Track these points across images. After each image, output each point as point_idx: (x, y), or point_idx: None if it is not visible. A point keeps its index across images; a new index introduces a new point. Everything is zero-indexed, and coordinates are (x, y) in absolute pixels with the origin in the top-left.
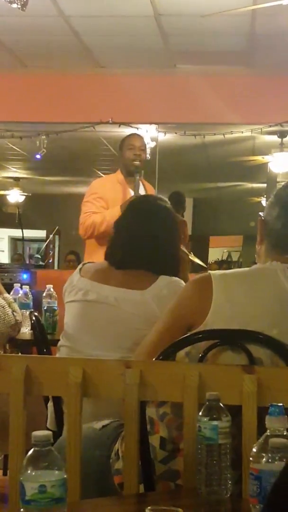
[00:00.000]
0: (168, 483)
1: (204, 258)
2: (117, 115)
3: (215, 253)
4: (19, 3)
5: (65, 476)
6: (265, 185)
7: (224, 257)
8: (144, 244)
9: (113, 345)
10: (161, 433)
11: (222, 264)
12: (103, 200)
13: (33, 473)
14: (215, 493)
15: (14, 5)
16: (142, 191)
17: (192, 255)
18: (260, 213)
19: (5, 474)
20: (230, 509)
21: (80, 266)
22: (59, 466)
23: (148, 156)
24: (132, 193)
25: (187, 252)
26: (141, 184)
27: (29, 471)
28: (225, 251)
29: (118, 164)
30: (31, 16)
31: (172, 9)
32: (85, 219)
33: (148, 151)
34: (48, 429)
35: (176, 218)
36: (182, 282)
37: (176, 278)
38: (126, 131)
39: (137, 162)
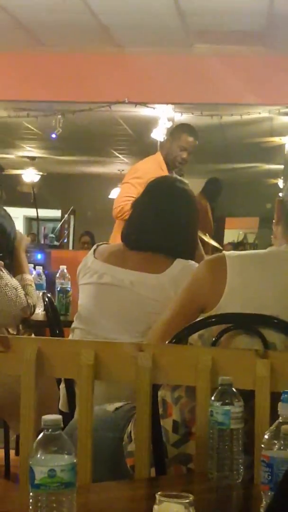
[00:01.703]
0: (180, 466)
1: (219, 239)
2: (134, 94)
3: (230, 235)
4: None
5: (75, 460)
6: (282, 166)
7: (240, 239)
8: (160, 226)
9: (127, 329)
10: (174, 416)
11: (237, 246)
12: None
13: (43, 457)
14: (226, 478)
15: None
16: None
17: (208, 236)
18: (280, 194)
19: (17, 454)
20: (241, 494)
21: (94, 247)
22: (69, 451)
23: (164, 136)
24: None
25: (203, 234)
26: None
27: (38, 455)
28: (240, 232)
29: (135, 145)
30: None
31: None
32: (125, 203)
33: (164, 131)
34: (60, 411)
35: (194, 200)
36: (198, 265)
37: (193, 262)
38: (142, 111)
39: (181, 165)
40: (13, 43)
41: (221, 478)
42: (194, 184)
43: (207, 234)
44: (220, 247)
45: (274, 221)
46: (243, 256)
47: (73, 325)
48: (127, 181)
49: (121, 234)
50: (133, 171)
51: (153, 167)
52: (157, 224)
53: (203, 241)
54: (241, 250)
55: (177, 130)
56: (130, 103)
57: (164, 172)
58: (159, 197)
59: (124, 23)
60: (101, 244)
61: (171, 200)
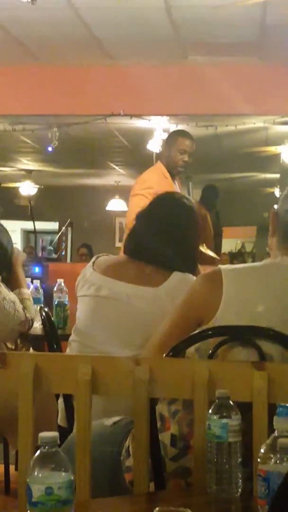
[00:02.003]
0: (179, 480)
1: (217, 249)
2: (129, 107)
3: (228, 244)
4: None
5: (72, 477)
6: (278, 175)
7: (238, 248)
8: (160, 238)
9: (124, 342)
10: (171, 430)
11: (234, 255)
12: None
13: (40, 475)
14: (225, 491)
15: None
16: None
17: (205, 246)
18: (275, 205)
19: (17, 469)
20: (240, 507)
21: (93, 259)
22: (66, 468)
23: (160, 148)
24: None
25: (200, 244)
26: (176, 183)
27: (35, 473)
28: (238, 242)
29: (131, 156)
30: (41, 9)
31: (183, 1)
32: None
33: (160, 142)
34: (59, 426)
35: (196, 216)
36: (195, 278)
37: (189, 275)
38: (138, 122)
39: (182, 169)
40: (8, 57)
41: (219, 492)
42: (191, 195)
43: (204, 245)
44: (217, 257)
45: (269, 233)
46: (238, 269)
47: (70, 338)
48: (138, 193)
49: (123, 244)
50: (141, 182)
51: (159, 177)
52: (158, 237)
53: (200, 252)
54: (240, 259)
55: (172, 137)
56: (126, 115)
57: (168, 180)
58: (163, 211)
59: (118, 36)
60: (100, 256)
61: (174, 214)
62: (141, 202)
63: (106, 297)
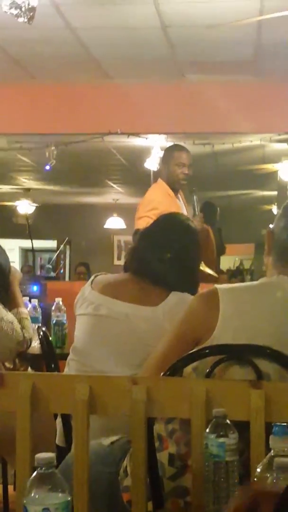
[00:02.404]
0: (177, 500)
1: (216, 266)
2: (126, 125)
3: (226, 261)
4: (25, 17)
5: (69, 498)
6: (275, 193)
7: (236, 265)
8: (161, 257)
9: (123, 361)
10: (169, 449)
11: (232, 273)
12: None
13: (37, 496)
14: (223, 511)
15: (21, 19)
16: (183, 205)
17: (203, 264)
18: (270, 225)
19: (16, 489)
20: None
21: (92, 277)
22: (63, 489)
23: (158, 166)
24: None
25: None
26: (180, 197)
27: (32, 494)
28: (237, 259)
29: (129, 174)
30: (38, 28)
31: (179, 21)
32: None
33: (158, 160)
34: (57, 446)
35: (197, 237)
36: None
37: (188, 295)
38: (135, 141)
39: (184, 182)
40: (5, 76)
41: (218, 511)
42: (197, 208)
43: (202, 263)
44: (215, 275)
45: (265, 252)
46: (235, 289)
47: (69, 357)
48: (143, 215)
49: (124, 261)
50: (146, 204)
51: (163, 196)
52: (159, 256)
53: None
54: (238, 276)
55: (168, 152)
56: (123, 133)
57: (172, 197)
58: (166, 231)
59: (115, 55)
60: (99, 275)
61: (177, 236)
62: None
63: (104, 316)
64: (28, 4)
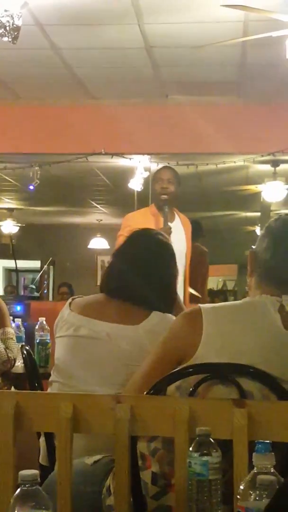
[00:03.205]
0: None
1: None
2: (110, 145)
3: (210, 282)
4: (9, 37)
5: None
6: (259, 213)
7: (219, 286)
8: (137, 276)
9: (105, 381)
10: (152, 468)
11: (215, 293)
12: None
13: None
14: None
15: (5, 39)
16: (178, 223)
17: (187, 285)
18: (253, 246)
19: None
20: None
21: (69, 300)
22: (47, 506)
23: (141, 186)
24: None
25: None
26: (176, 216)
27: (16, 511)
28: (220, 280)
29: (113, 194)
30: (22, 48)
31: (163, 41)
32: None
33: (141, 181)
34: (40, 465)
35: (173, 253)
36: (174, 318)
37: (170, 315)
38: (119, 161)
39: (164, 196)
40: None
41: None
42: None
43: (187, 283)
44: (199, 295)
45: (247, 273)
46: (218, 308)
47: (50, 379)
48: (120, 234)
49: (100, 282)
50: (123, 223)
51: (140, 214)
52: (135, 275)
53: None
54: (221, 297)
55: (153, 177)
56: (107, 154)
57: (156, 217)
58: (137, 248)
59: (99, 76)
60: (76, 297)
61: (150, 251)
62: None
63: (85, 337)
64: (13, 24)
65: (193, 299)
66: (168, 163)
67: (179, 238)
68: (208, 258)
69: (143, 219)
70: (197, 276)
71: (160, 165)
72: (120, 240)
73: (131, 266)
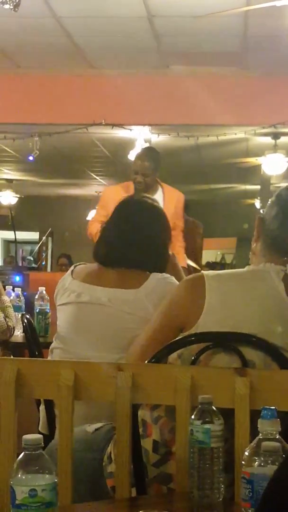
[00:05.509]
0: (160, 486)
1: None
2: (110, 116)
3: (208, 255)
4: (11, 4)
5: (56, 480)
6: (258, 187)
7: (218, 259)
8: (129, 241)
9: (108, 346)
10: (154, 436)
11: (214, 266)
12: (105, 209)
13: (24, 477)
14: (207, 496)
15: (6, 6)
16: (159, 196)
17: (186, 257)
18: (261, 210)
19: None
20: None
21: (72, 268)
22: (50, 470)
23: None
24: None
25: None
26: (160, 189)
27: (19, 475)
28: (218, 253)
29: (112, 166)
30: (23, 17)
31: (165, 10)
32: (89, 226)
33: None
34: (40, 433)
35: (163, 215)
36: (174, 278)
37: (167, 275)
38: (119, 132)
39: (139, 187)
40: None
41: (202, 497)
42: None
43: (185, 256)
44: (198, 267)
45: (253, 238)
46: (221, 275)
47: (52, 346)
48: (96, 207)
49: (93, 252)
50: (102, 194)
51: (116, 189)
52: (126, 240)
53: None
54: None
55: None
56: (107, 124)
57: (129, 192)
58: (127, 213)
59: (100, 45)
60: (78, 265)
61: (139, 215)
62: (94, 216)
63: (87, 303)
64: None
65: (192, 272)
66: (169, 135)
67: None
68: (198, 229)
69: (116, 194)
70: (191, 249)
71: (161, 137)
72: (95, 214)
73: (119, 231)
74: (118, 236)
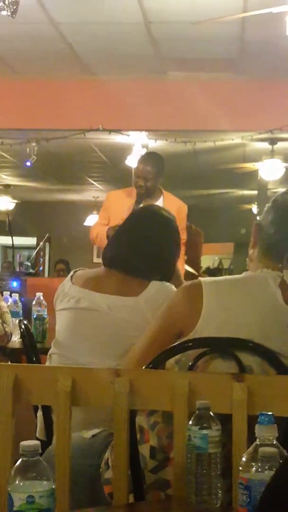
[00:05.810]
0: (158, 492)
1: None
2: (108, 122)
3: (206, 261)
4: (9, 11)
5: (54, 486)
6: (256, 192)
7: (215, 265)
8: (135, 248)
9: (106, 352)
10: (151, 442)
11: (212, 271)
12: (107, 212)
13: (21, 484)
14: (205, 502)
15: (4, 12)
16: (160, 204)
17: (185, 263)
18: (258, 217)
19: None
20: None
21: (71, 273)
22: (48, 477)
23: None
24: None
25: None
26: (162, 196)
27: (17, 482)
28: (216, 258)
29: (110, 172)
30: (21, 23)
31: (162, 17)
32: (92, 229)
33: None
34: (37, 439)
35: (175, 227)
36: (173, 286)
37: (167, 283)
38: (116, 138)
39: (141, 191)
40: None
41: (199, 503)
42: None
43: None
44: (196, 273)
45: (250, 244)
46: (218, 282)
47: (50, 351)
48: (101, 210)
49: (102, 255)
50: (105, 199)
51: (119, 193)
52: (135, 248)
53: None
54: (217, 275)
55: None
56: (105, 130)
57: (133, 198)
58: (142, 222)
59: (98, 51)
60: (78, 270)
61: (153, 226)
62: (98, 220)
63: (86, 309)
64: None
65: (191, 277)
66: (167, 140)
67: None
68: (201, 237)
69: (119, 199)
70: (193, 258)
71: (158, 143)
72: (98, 218)
73: (130, 239)
74: (128, 242)
